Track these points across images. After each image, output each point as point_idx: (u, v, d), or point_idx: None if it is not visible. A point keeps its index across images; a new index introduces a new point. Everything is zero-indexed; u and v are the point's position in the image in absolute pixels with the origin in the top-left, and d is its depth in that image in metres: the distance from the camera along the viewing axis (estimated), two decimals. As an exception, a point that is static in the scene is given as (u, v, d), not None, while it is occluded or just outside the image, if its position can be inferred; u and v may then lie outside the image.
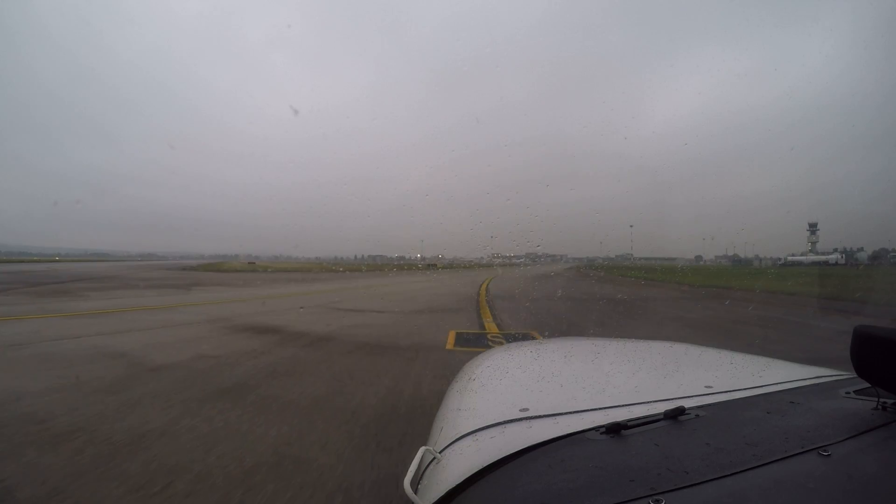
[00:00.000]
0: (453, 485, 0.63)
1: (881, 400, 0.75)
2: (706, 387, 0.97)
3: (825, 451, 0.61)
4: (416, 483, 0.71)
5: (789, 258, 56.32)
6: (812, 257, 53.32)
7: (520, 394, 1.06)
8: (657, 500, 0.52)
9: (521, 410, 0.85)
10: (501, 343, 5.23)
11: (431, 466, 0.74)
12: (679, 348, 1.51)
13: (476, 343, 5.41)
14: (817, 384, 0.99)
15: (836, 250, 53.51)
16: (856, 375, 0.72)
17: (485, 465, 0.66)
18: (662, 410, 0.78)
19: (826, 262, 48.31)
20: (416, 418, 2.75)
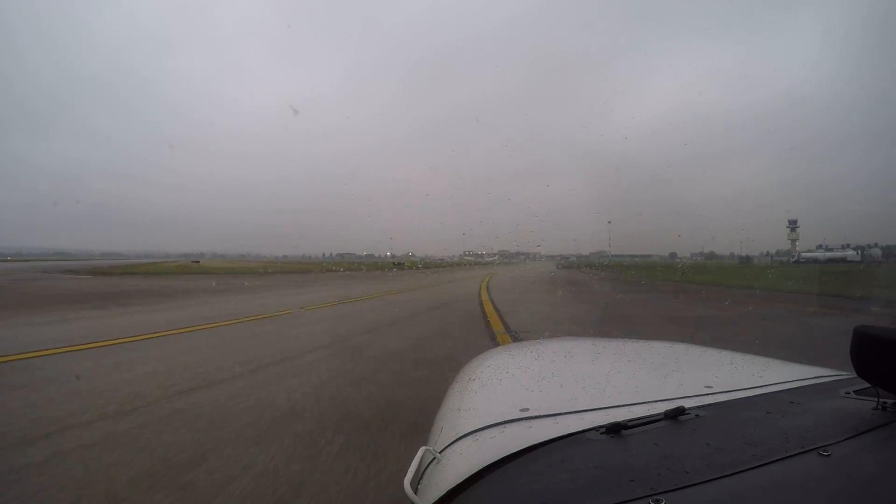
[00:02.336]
0: (453, 485, 0.63)
1: (881, 400, 0.74)
2: (706, 387, 0.97)
3: (825, 451, 0.61)
4: (416, 483, 0.71)
5: (803, 255, 54.86)
6: (828, 254, 51.90)
7: (520, 394, 1.06)
8: (657, 500, 0.52)
9: (521, 410, 0.85)
10: None
11: (431, 466, 0.74)
12: (679, 348, 1.51)
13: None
14: (817, 384, 0.99)
15: (847, 246, 51.99)
16: (856, 375, 0.72)
17: (485, 465, 0.66)
18: (662, 410, 0.77)
19: (843, 259, 46.99)
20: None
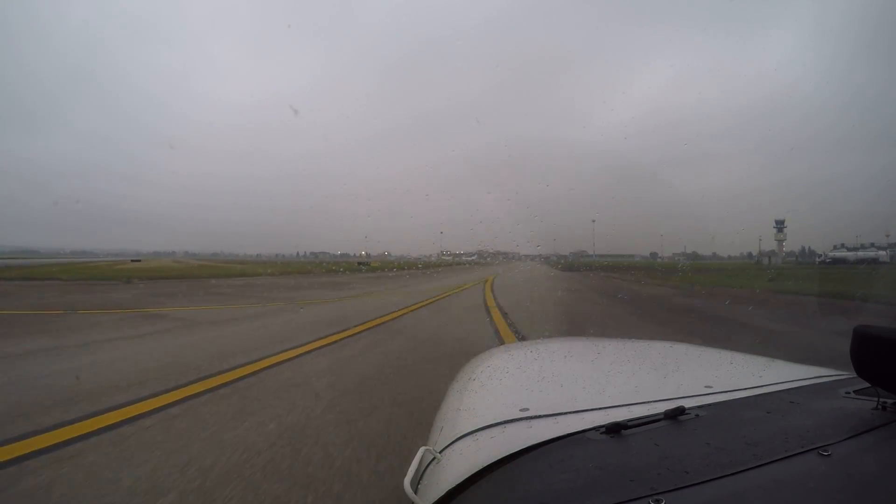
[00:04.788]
0: (453, 485, 0.63)
1: (881, 400, 0.74)
2: (706, 387, 0.97)
3: (825, 451, 0.61)
4: (415, 483, 0.71)
5: (830, 254, 52.46)
6: (859, 254, 49.44)
7: (520, 394, 1.06)
8: (657, 500, 0.52)
9: (521, 410, 0.85)
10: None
11: (431, 466, 0.74)
12: (679, 348, 1.51)
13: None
14: (817, 384, 0.98)
15: (872, 245, 49.14)
16: (856, 375, 0.72)
17: (485, 464, 0.66)
18: (662, 410, 0.77)
19: (875, 260, 44.67)
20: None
